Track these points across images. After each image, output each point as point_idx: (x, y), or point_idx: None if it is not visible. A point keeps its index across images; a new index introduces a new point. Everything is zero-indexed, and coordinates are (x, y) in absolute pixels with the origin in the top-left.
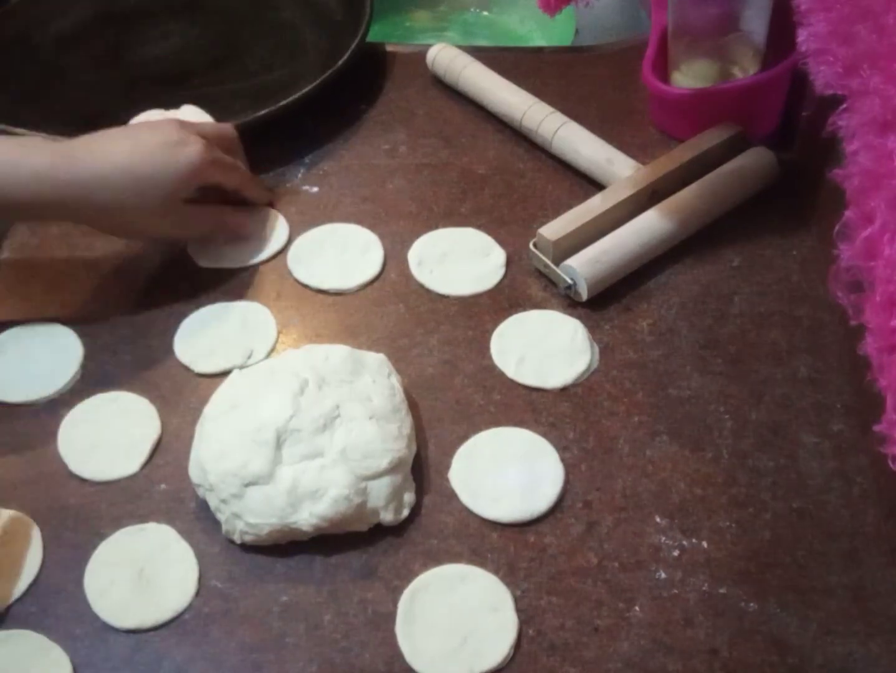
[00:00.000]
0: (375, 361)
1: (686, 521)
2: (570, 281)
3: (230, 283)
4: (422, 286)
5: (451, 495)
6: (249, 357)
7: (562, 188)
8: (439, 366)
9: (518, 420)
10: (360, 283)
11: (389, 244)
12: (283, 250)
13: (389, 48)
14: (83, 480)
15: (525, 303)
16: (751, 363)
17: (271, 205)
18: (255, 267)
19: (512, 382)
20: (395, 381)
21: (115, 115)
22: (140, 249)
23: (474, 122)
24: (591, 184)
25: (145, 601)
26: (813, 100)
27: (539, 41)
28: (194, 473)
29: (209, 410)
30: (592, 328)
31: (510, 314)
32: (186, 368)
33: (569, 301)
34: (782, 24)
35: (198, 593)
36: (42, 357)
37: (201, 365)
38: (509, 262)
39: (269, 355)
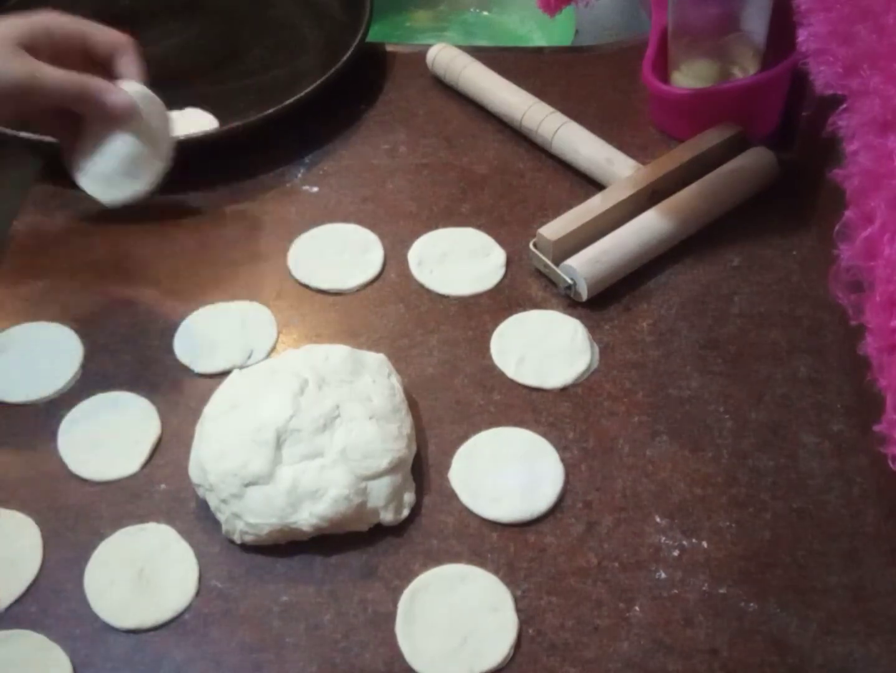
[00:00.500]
0: (375, 361)
1: (686, 521)
2: (570, 281)
3: (230, 283)
4: (422, 286)
5: (451, 495)
6: (249, 357)
7: (562, 188)
8: (439, 366)
9: (518, 420)
10: (360, 283)
11: (389, 244)
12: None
13: (389, 48)
14: (83, 480)
15: (525, 303)
16: (751, 363)
17: None
18: (254, 270)
19: (512, 382)
20: (395, 381)
21: None
22: (139, 249)
23: (474, 122)
24: (591, 184)
25: (145, 601)
26: (813, 100)
27: (539, 41)
28: (194, 473)
29: (209, 410)
30: (592, 328)
31: (510, 314)
32: (186, 368)
33: (569, 301)
34: (782, 24)
35: (198, 593)
36: (42, 357)
37: (201, 365)
38: (509, 262)
39: (269, 355)
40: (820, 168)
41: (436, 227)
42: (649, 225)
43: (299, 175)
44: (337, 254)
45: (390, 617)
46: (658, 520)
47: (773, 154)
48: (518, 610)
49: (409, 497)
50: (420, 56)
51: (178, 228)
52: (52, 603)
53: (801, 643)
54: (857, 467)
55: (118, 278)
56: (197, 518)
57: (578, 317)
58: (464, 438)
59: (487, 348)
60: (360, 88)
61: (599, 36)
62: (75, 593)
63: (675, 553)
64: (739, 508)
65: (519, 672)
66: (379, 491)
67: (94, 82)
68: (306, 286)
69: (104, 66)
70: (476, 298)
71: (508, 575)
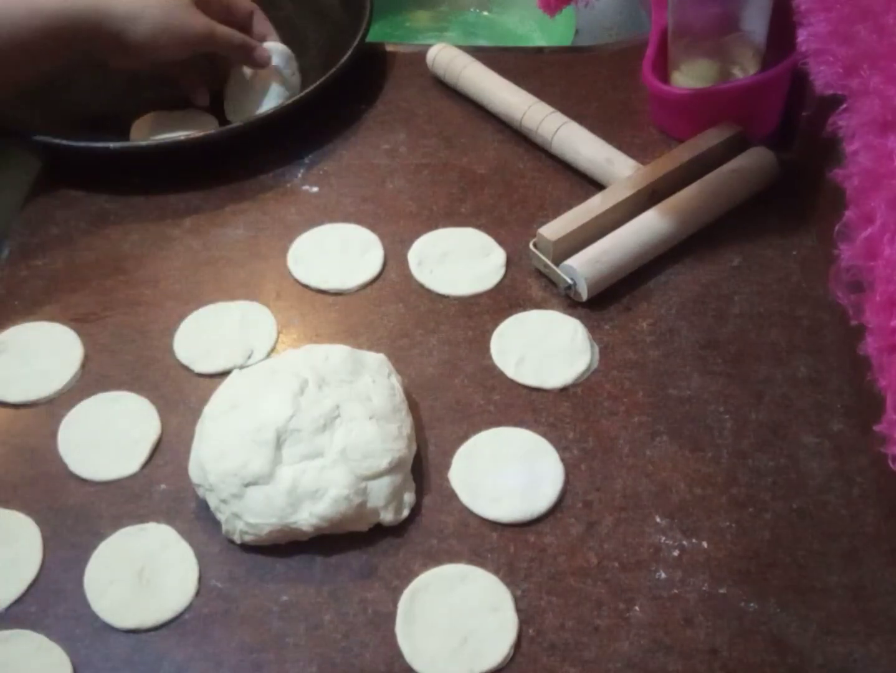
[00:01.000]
0: (375, 361)
1: (686, 521)
2: (570, 281)
3: (230, 283)
4: (422, 286)
5: (451, 495)
6: (249, 357)
7: (562, 188)
8: (439, 366)
9: (518, 420)
10: (360, 283)
11: (389, 244)
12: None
13: (389, 48)
14: (83, 480)
15: (525, 303)
16: (751, 363)
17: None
18: (254, 270)
19: (512, 382)
20: (395, 381)
21: (117, 116)
22: (139, 249)
23: (474, 122)
24: (591, 184)
25: (145, 601)
26: (813, 100)
27: (539, 41)
28: (194, 473)
29: (209, 409)
30: (592, 328)
31: (510, 314)
32: (186, 368)
33: (569, 301)
34: (782, 24)
35: (198, 593)
36: (42, 357)
37: (201, 365)
38: (509, 262)
39: (269, 355)
40: (820, 168)
41: (436, 227)
42: (649, 225)
43: (299, 175)
44: (337, 254)
45: (390, 617)
46: (658, 520)
47: (773, 154)
48: (518, 610)
49: (409, 497)
50: (420, 56)
51: (178, 228)
52: (52, 603)
53: (801, 643)
54: (857, 467)
55: (118, 278)
56: (197, 518)
57: (578, 317)
58: (464, 438)
59: (487, 348)
60: (360, 88)
61: (599, 36)
62: (75, 593)
63: (675, 553)
64: (739, 508)
65: (519, 672)
66: (379, 491)
67: (249, 40)
68: (306, 286)
69: (241, 25)
70: (476, 298)
71: (508, 575)
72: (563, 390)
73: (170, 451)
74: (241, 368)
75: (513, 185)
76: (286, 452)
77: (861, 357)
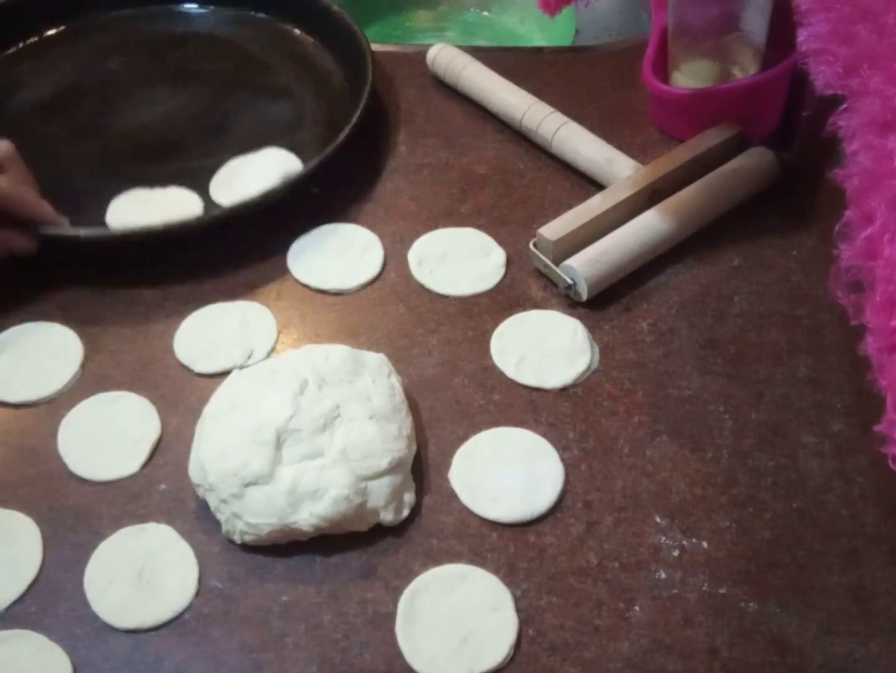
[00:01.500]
0: (375, 361)
1: (686, 521)
2: (570, 281)
3: (230, 283)
4: (422, 286)
5: (451, 495)
6: (249, 357)
7: (562, 188)
8: (439, 366)
9: (518, 420)
10: (360, 283)
11: (389, 244)
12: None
13: (389, 48)
14: (83, 480)
15: (525, 303)
16: (751, 363)
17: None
18: (254, 270)
19: (512, 382)
20: (395, 381)
21: (96, 193)
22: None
23: (474, 122)
24: (591, 184)
25: (145, 601)
26: (813, 100)
27: (539, 41)
28: (194, 473)
29: (209, 409)
30: (592, 328)
31: (510, 314)
32: (186, 368)
33: (569, 301)
34: (782, 24)
35: (198, 593)
36: (42, 357)
37: (201, 365)
38: (509, 262)
39: (269, 355)
40: (820, 168)
41: (436, 227)
42: (649, 225)
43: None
44: (337, 254)
45: (390, 617)
46: (658, 520)
47: (773, 154)
48: (518, 610)
49: (409, 497)
50: (420, 56)
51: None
52: (52, 603)
53: (801, 643)
54: (857, 467)
55: (118, 278)
56: (197, 518)
57: (578, 317)
58: (464, 438)
59: (487, 348)
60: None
61: (599, 36)
62: (75, 593)
63: (675, 553)
64: (739, 508)
65: (519, 672)
66: (379, 491)
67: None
68: (306, 286)
69: None
70: (476, 298)
71: (508, 575)
72: (563, 390)
73: (170, 451)
74: (241, 368)
75: (513, 185)
76: (286, 452)
77: (861, 357)
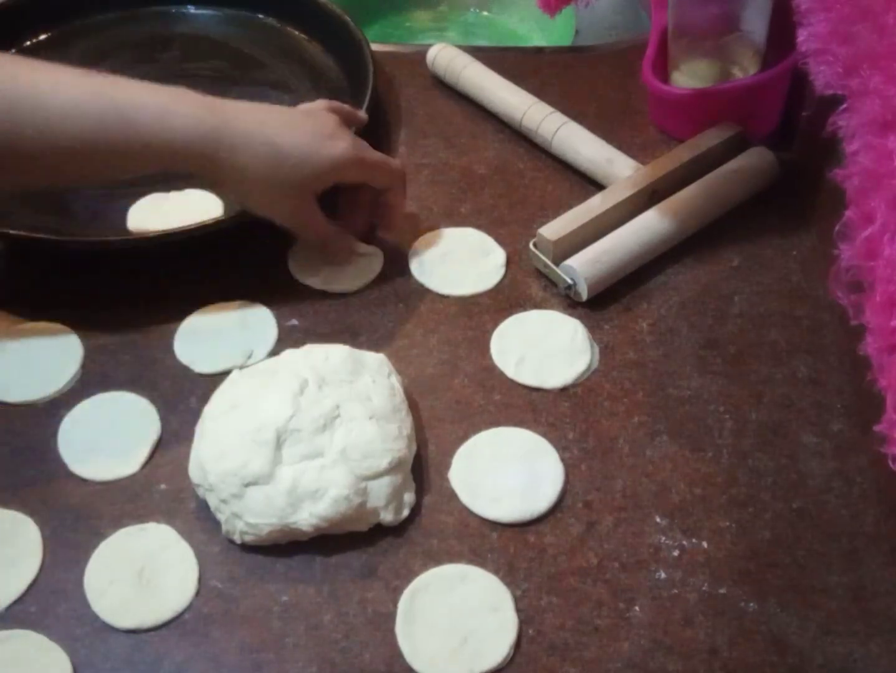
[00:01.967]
0: (375, 361)
1: (686, 521)
2: (570, 281)
3: (230, 284)
4: (422, 286)
5: (451, 495)
6: (249, 357)
7: (562, 188)
8: (439, 366)
9: (518, 420)
10: (361, 284)
11: (390, 244)
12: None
13: (389, 48)
14: (83, 480)
15: (525, 303)
16: (751, 363)
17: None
18: (254, 270)
19: (512, 381)
20: (395, 381)
21: (112, 199)
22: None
23: (474, 122)
24: (591, 184)
25: (145, 601)
26: (813, 100)
27: (539, 41)
28: (194, 473)
29: (209, 409)
30: (592, 328)
31: (510, 314)
32: (186, 368)
33: (569, 301)
34: (782, 24)
35: (198, 593)
36: (42, 357)
37: (201, 365)
38: (509, 262)
39: (269, 355)
40: (820, 168)
41: (436, 227)
42: (649, 225)
43: None
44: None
45: (390, 617)
46: (658, 520)
47: (773, 154)
48: (518, 610)
49: (409, 497)
50: (420, 56)
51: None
52: (52, 603)
53: (801, 643)
54: (857, 467)
55: (118, 278)
56: (197, 518)
57: (578, 317)
58: (464, 438)
59: (487, 348)
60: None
61: (599, 36)
62: (75, 593)
63: (675, 553)
64: (739, 508)
65: (519, 672)
66: (379, 491)
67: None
68: (307, 286)
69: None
70: (476, 298)
71: (508, 575)
72: (563, 390)
73: (170, 451)
74: (241, 368)
75: (513, 185)
76: (286, 452)
77: (861, 357)
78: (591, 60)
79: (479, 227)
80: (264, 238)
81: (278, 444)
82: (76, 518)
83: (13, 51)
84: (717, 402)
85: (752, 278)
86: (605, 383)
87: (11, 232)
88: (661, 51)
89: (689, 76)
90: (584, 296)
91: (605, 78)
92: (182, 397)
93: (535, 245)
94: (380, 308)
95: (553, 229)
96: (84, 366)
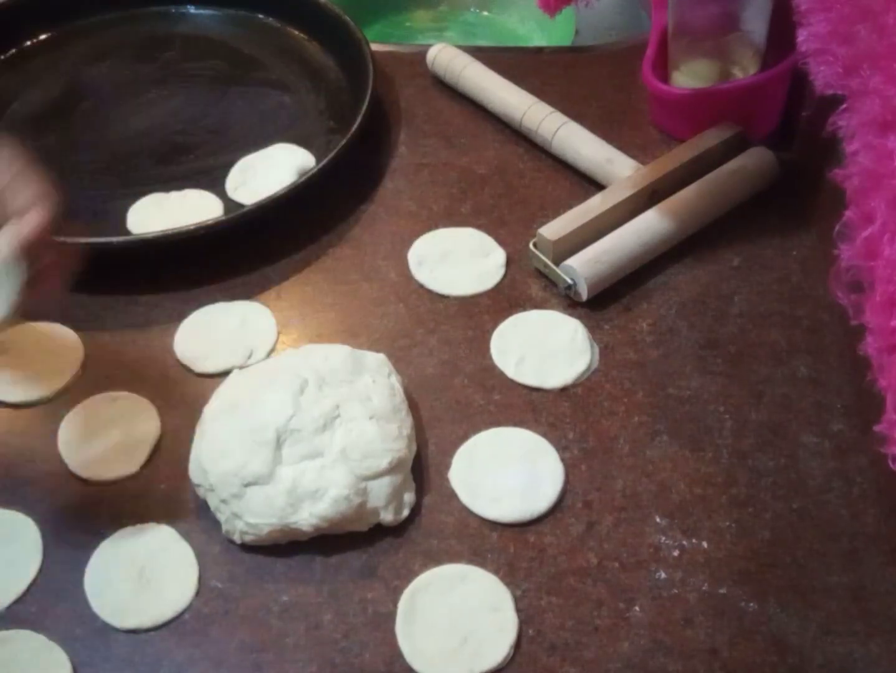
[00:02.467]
0: (375, 361)
1: (686, 521)
2: (570, 281)
3: (230, 283)
4: (422, 286)
5: (451, 495)
6: (249, 357)
7: (562, 188)
8: (439, 366)
9: (518, 420)
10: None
11: (389, 244)
12: None
13: (389, 48)
14: (83, 480)
15: (525, 303)
16: (751, 363)
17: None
18: (254, 270)
19: (512, 382)
20: (395, 381)
21: (111, 200)
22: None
23: (474, 122)
24: (591, 184)
25: (145, 601)
26: (813, 100)
27: (539, 41)
28: (194, 473)
29: (209, 409)
30: (592, 328)
31: (510, 314)
32: (186, 368)
33: (569, 301)
34: (782, 24)
35: (198, 593)
36: (42, 357)
37: (201, 365)
38: (509, 262)
39: (269, 355)
40: (820, 168)
41: (436, 227)
42: (649, 225)
43: None
44: None
45: (390, 617)
46: (658, 520)
47: (773, 154)
48: (518, 610)
49: (409, 497)
50: (420, 56)
51: None
52: (52, 603)
53: (801, 643)
54: (857, 467)
55: (118, 278)
56: (197, 518)
57: (578, 317)
58: (464, 438)
59: (487, 348)
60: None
61: (599, 36)
62: (75, 593)
63: (675, 553)
64: (739, 508)
65: (519, 672)
66: (379, 491)
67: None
68: (306, 286)
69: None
70: (476, 298)
71: (508, 575)
72: (563, 390)
73: (170, 451)
74: (241, 368)
75: (513, 185)
76: (286, 452)
77: (861, 357)
78: (591, 60)
79: (479, 227)
80: (264, 238)
81: (278, 444)
82: (76, 518)
83: (13, 51)
84: (717, 402)
85: (752, 278)
86: (605, 383)
87: None
88: (661, 51)
89: (689, 76)
90: (584, 296)
91: (605, 78)
92: (182, 397)
93: (535, 245)
94: (380, 308)
95: (553, 229)
96: (84, 366)
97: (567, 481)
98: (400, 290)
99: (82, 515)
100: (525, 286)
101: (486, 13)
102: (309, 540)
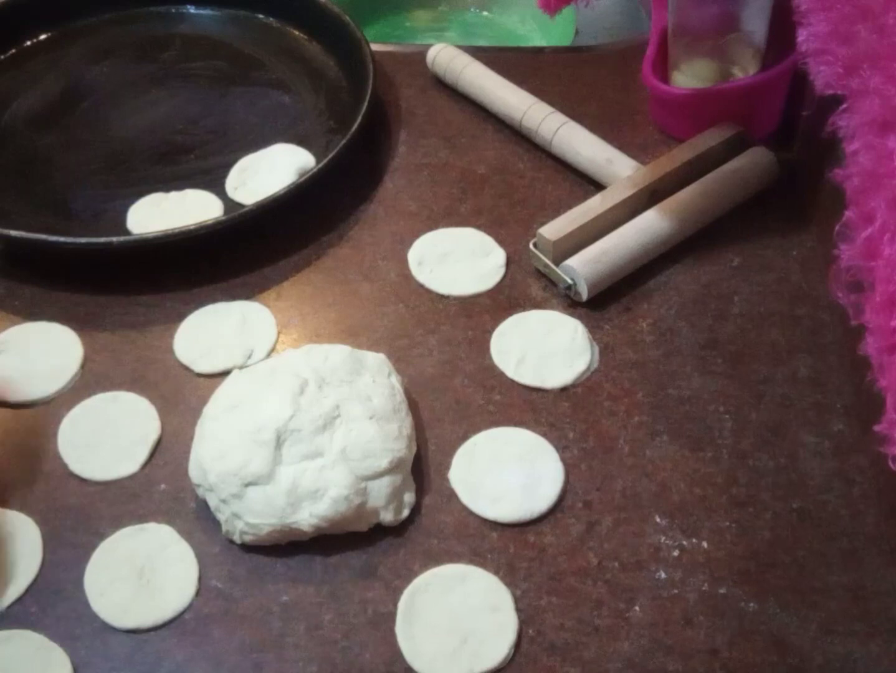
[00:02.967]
0: (375, 361)
1: (686, 521)
2: (570, 281)
3: (230, 283)
4: (422, 286)
5: (451, 495)
6: (249, 357)
7: (562, 188)
8: (439, 366)
9: (518, 420)
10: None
11: (389, 244)
12: None
13: (389, 48)
14: (83, 480)
15: (525, 303)
16: (751, 363)
17: None
18: (254, 270)
19: (512, 382)
20: (395, 381)
21: (111, 200)
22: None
23: (474, 122)
24: (591, 184)
25: (145, 601)
26: (813, 100)
27: (539, 41)
28: (194, 473)
29: (209, 410)
30: (592, 328)
31: (510, 314)
32: (186, 368)
33: (569, 301)
34: (782, 24)
35: (198, 593)
36: (42, 357)
37: (201, 365)
38: (509, 262)
39: (269, 355)
40: (820, 168)
41: (436, 227)
42: (649, 225)
43: None
44: None
45: (390, 617)
46: (658, 520)
47: (773, 154)
48: (518, 610)
49: (409, 497)
50: (420, 56)
51: None
52: (52, 603)
53: (801, 643)
54: (857, 467)
55: (118, 278)
56: (197, 518)
57: (578, 317)
58: (464, 438)
59: (487, 348)
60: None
61: (599, 36)
62: (75, 593)
63: (675, 553)
64: (739, 508)
65: (519, 672)
66: (379, 491)
67: None
68: (306, 286)
69: None
70: (476, 298)
71: (508, 575)
72: (563, 390)
73: (170, 451)
74: (241, 368)
75: (513, 185)
76: (286, 452)
77: (861, 357)
78: (591, 60)
79: (479, 227)
80: (264, 238)
81: (278, 444)
82: (76, 518)
83: (13, 51)
84: (717, 402)
85: (752, 278)
86: (605, 383)
87: (12, 232)
88: (661, 51)
89: (689, 76)
90: (584, 296)
91: (605, 78)
92: (182, 397)
93: (535, 245)
94: (380, 308)
95: (553, 229)
96: (84, 366)
97: (567, 481)
98: (400, 290)
99: (82, 515)
100: (525, 286)
101: (486, 13)
102: (309, 540)
